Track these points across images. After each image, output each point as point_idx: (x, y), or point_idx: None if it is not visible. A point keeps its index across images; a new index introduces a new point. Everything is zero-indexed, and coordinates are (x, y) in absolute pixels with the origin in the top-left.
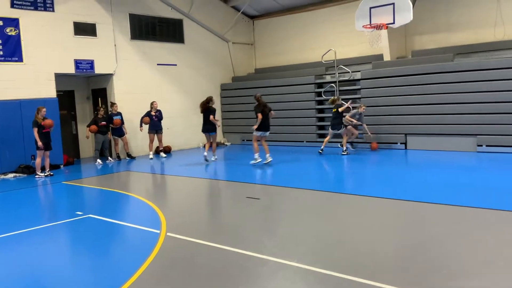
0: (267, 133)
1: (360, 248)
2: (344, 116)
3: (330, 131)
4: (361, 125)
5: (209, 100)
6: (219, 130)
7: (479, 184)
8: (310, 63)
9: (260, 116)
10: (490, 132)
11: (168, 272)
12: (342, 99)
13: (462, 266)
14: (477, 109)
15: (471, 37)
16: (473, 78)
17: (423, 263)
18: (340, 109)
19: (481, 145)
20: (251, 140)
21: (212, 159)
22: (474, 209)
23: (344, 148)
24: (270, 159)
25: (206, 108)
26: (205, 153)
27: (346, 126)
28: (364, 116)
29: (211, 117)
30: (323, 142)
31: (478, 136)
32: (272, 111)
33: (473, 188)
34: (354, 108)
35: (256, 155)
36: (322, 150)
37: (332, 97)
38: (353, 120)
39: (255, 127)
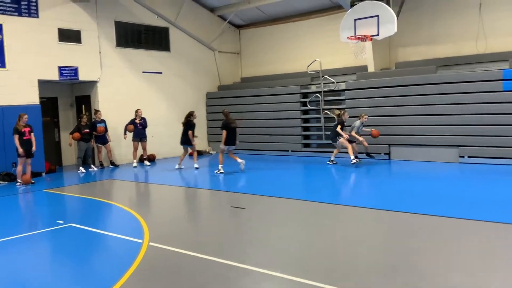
0: (233, 147)
1: (344, 258)
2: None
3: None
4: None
5: (189, 115)
6: (204, 138)
7: (461, 194)
8: (296, 73)
9: (225, 133)
10: (472, 143)
11: (150, 283)
12: (328, 110)
13: (441, 275)
14: (460, 120)
15: (454, 49)
16: (456, 90)
17: (407, 273)
18: (337, 128)
19: (463, 156)
20: (236, 149)
21: (195, 166)
22: (455, 220)
23: (332, 158)
24: (243, 163)
25: (187, 122)
26: (177, 166)
27: (339, 138)
28: (347, 126)
29: (190, 132)
30: (307, 151)
31: (460, 147)
32: (237, 127)
33: (454, 198)
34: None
35: (220, 166)
36: (332, 161)
37: (339, 111)
38: (358, 137)
39: (222, 142)
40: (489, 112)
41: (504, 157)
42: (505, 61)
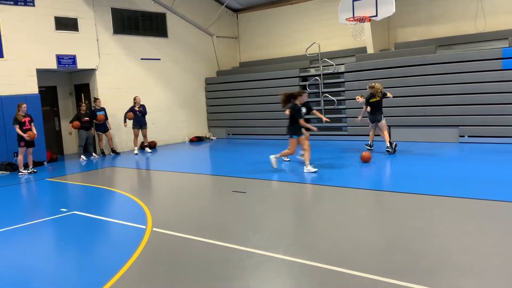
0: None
1: (345, 240)
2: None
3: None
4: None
5: (293, 96)
6: (204, 124)
7: (462, 174)
8: (295, 56)
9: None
10: (472, 123)
11: (154, 267)
12: (328, 92)
13: (444, 256)
14: (459, 100)
15: (453, 29)
16: (455, 70)
17: (407, 254)
18: (388, 94)
19: (463, 136)
20: (236, 134)
21: (309, 169)
22: (457, 199)
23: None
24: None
25: (293, 106)
26: (305, 169)
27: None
28: (348, 108)
29: (301, 121)
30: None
31: (460, 127)
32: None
33: (456, 178)
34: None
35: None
36: (370, 145)
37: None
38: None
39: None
40: (488, 91)
41: (504, 136)
42: (504, 39)
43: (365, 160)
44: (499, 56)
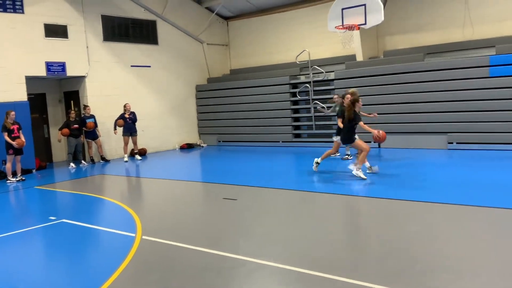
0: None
1: (336, 247)
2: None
3: None
4: None
5: (354, 100)
6: (195, 132)
7: (451, 180)
8: (285, 63)
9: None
10: (460, 129)
11: (145, 276)
12: (317, 100)
13: (436, 261)
14: (448, 107)
15: (441, 37)
16: (443, 77)
17: (399, 260)
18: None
19: (452, 143)
20: (227, 141)
21: (372, 170)
22: (448, 205)
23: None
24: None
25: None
26: (367, 171)
27: None
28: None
29: (362, 124)
30: (298, 142)
31: (448, 133)
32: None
33: (445, 184)
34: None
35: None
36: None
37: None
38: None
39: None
40: (476, 98)
41: (491, 143)
42: (491, 47)
43: (381, 140)
44: (487, 64)
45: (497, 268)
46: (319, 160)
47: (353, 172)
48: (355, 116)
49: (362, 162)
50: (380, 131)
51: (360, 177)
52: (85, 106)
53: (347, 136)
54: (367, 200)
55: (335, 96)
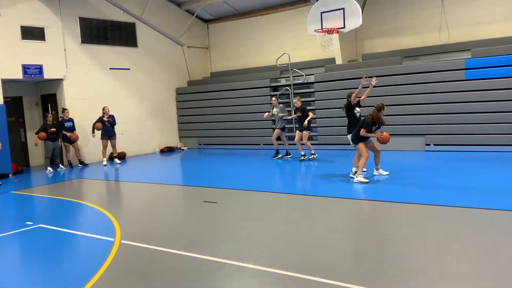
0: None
1: (315, 248)
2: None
3: None
4: None
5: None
6: (175, 134)
7: (429, 182)
8: (265, 66)
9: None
10: (437, 131)
11: (123, 280)
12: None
13: (411, 263)
14: (425, 109)
15: (418, 41)
16: (421, 80)
17: (375, 261)
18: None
19: (429, 144)
20: (208, 144)
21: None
22: (423, 206)
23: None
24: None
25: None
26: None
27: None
28: (318, 118)
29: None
30: (279, 144)
31: (426, 135)
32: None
33: (423, 186)
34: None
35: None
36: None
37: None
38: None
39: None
40: (453, 101)
41: (468, 144)
42: (467, 50)
43: (385, 141)
44: (463, 67)
45: (474, 270)
46: (358, 169)
47: (355, 181)
48: (380, 121)
49: (362, 168)
50: (383, 133)
51: (362, 182)
52: (64, 109)
53: (359, 137)
54: (346, 202)
55: (274, 99)
